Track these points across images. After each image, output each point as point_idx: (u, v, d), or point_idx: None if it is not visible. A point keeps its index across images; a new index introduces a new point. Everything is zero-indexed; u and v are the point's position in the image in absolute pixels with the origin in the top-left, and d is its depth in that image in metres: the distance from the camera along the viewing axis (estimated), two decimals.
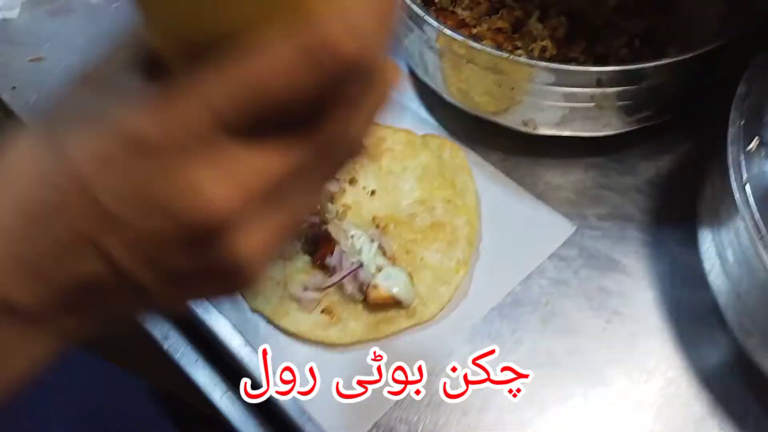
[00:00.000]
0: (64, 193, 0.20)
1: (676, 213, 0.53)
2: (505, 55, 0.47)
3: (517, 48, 0.58)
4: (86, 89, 0.22)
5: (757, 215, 0.37)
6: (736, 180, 0.39)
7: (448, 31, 0.49)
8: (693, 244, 0.49)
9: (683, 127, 0.57)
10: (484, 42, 0.57)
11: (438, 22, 0.49)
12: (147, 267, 0.21)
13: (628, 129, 0.53)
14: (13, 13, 0.73)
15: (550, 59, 0.57)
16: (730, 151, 0.40)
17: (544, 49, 0.56)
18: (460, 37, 0.48)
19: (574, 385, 0.47)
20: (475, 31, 0.59)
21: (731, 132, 0.41)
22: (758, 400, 0.44)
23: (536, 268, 0.51)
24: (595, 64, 0.58)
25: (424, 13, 0.50)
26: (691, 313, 0.48)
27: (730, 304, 0.43)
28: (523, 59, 0.47)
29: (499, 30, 0.58)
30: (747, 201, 0.38)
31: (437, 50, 0.51)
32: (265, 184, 0.20)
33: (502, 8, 0.60)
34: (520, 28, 0.59)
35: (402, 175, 0.57)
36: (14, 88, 0.68)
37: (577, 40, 0.59)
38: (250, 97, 0.19)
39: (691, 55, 0.46)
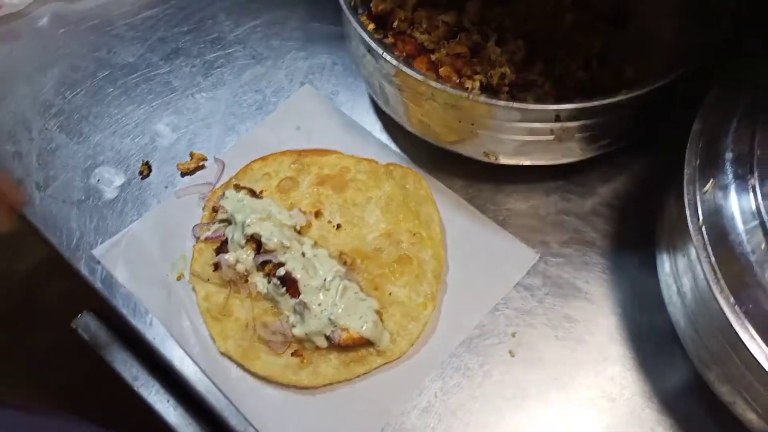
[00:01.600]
0: None
1: (636, 236, 0.54)
2: (465, 94, 0.47)
3: (477, 73, 0.58)
4: None
5: (713, 259, 0.39)
6: (692, 223, 0.40)
7: (407, 70, 0.48)
8: (652, 268, 0.50)
9: (639, 146, 0.58)
10: (443, 69, 0.57)
11: (396, 60, 0.49)
12: None
13: (587, 156, 0.53)
14: None
15: (509, 84, 0.57)
16: (686, 191, 0.41)
17: (503, 76, 0.56)
18: (419, 76, 0.48)
19: (542, 414, 0.48)
20: (434, 57, 0.58)
21: (687, 173, 0.42)
22: (718, 424, 0.46)
23: (505, 297, 0.52)
24: (554, 85, 0.59)
25: (382, 50, 0.49)
26: (652, 338, 0.50)
27: (688, 336, 0.44)
28: (482, 99, 0.47)
29: (458, 55, 0.58)
30: (704, 244, 0.39)
31: (397, 85, 0.51)
32: None
33: (460, 32, 0.60)
34: (478, 51, 0.59)
35: (366, 206, 0.56)
36: None
37: (535, 61, 0.59)
38: None
39: (647, 89, 0.46)
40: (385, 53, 0.49)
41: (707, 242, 0.39)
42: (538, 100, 0.58)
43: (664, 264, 0.47)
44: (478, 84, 0.57)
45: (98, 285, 0.55)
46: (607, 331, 0.50)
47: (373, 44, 0.49)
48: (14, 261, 1.51)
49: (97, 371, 0.61)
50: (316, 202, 0.57)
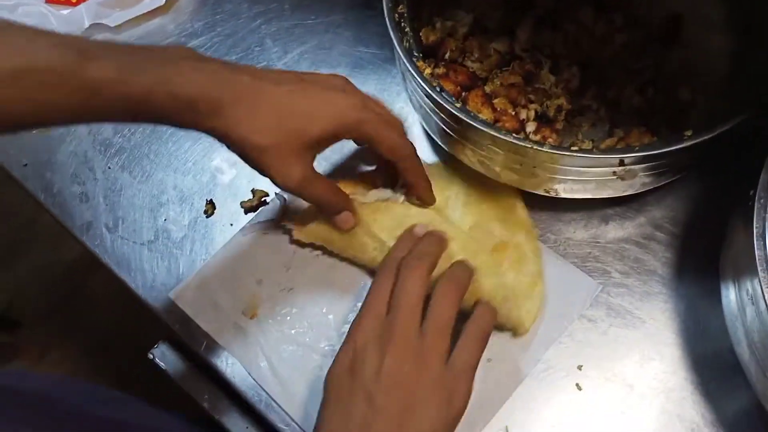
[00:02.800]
0: None
1: (697, 264, 0.55)
2: (529, 145, 0.47)
3: (531, 102, 0.58)
4: None
5: None
6: (764, 279, 0.41)
7: (468, 119, 0.49)
8: (714, 296, 0.51)
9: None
10: (497, 101, 0.58)
11: (458, 108, 0.49)
12: None
13: (647, 189, 0.54)
14: None
15: (565, 113, 0.58)
16: (757, 246, 0.42)
17: (559, 108, 0.57)
18: (482, 126, 0.48)
19: None
20: (488, 89, 0.58)
21: (756, 227, 0.42)
22: None
23: (570, 329, 0.54)
24: (608, 110, 0.59)
25: (443, 101, 0.49)
26: (716, 368, 0.51)
27: (756, 379, 0.45)
28: (546, 149, 0.47)
29: (512, 85, 0.58)
30: None
31: (457, 130, 0.52)
32: None
33: (513, 60, 0.60)
34: (532, 79, 0.59)
35: (447, 205, 0.57)
36: (26, 165, 0.67)
37: (588, 86, 0.59)
38: None
39: (717, 132, 0.46)
40: (446, 102, 0.49)
41: None
42: (593, 125, 0.59)
43: (731, 303, 0.48)
44: (533, 114, 0.58)
45: (176, 327, 0.58)
46: (671, 362, 0.52)
47: (433, 93, 0.50)
48: (59, 252, 1.57)
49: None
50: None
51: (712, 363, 0.52)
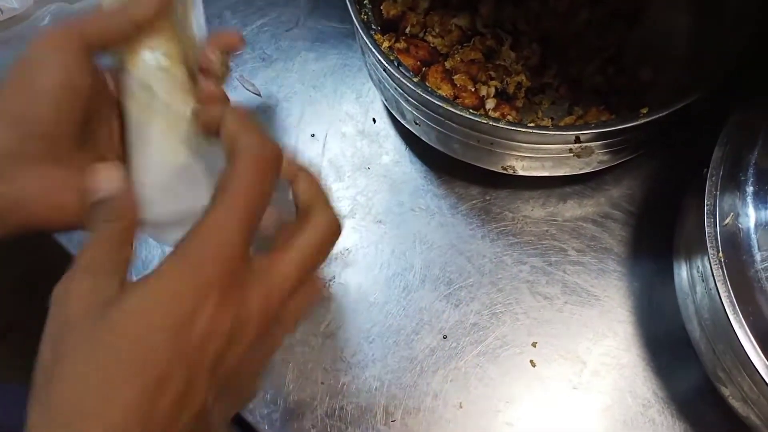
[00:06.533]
0: None
1: (652, 242, 0.55)
2: (485, 120, 0.47)
3: (492, 78, 0.57)
4: None
5: (732, 294, 0.40)
6: (712, 256, 0.41)
7: (426, 95, 0.48)
8: (668, 274, 0.51)
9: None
10: (457, 77, 0.57)
11: (415, 83, 0.48)
12: None
13: (604, 167, 0.54)
14: None
15: (525, 90, 0.57)
16: (707, 223, 0.42)
17: (519, 85, 0.56)
18: (439, 101, 0.48)
19: (562, 424, 0.50)
20: (448, 65, 0.58)
21: (708, 204, 0.42)
22: (734, 431, 0.49)
23: (525, 307, 0.54)
24: (568, 88, 0.58)
25: (401, 75, 0.49)
26: (668, 345, 0.52)
27: (705, 356, 0.46)
28: (502, 125, 0.47)
29: (472, 61, 0.57)
30: (724, 278, 0.40)
31: (414, 105, 0.51)
32: None
33: (474, 36, 0.59)
34: (492, 55, 0.58)
35: None
36: None
37: (549, 64, 0.59)
38: None
39: (671, 110, 0.46)
40: (403, 77, 0.49)
41: (727, 277, 0.40)
42: (554, 104, 0.59)
43: (682, 281, 0.48)
44: (493, 90, 0.57)
45: None
46: (624, 339, 0.52)
47: (390, 67, 0.49)
48: None
49: None
50: None
51: (665, 340, 0.52)
